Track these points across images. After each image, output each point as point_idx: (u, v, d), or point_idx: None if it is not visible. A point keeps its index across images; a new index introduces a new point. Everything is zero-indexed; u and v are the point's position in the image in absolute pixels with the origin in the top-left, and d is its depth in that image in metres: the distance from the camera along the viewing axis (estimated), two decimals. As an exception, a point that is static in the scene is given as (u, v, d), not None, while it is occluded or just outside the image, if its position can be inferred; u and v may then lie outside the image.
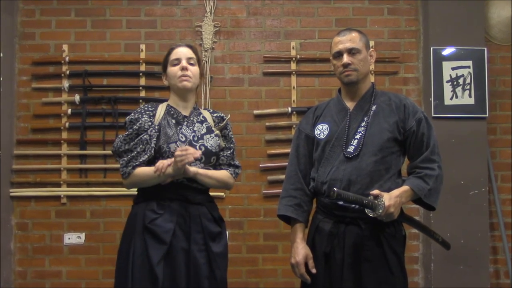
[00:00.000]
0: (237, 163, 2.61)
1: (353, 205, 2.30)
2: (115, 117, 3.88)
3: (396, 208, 2.26)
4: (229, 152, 2.58)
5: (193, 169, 2.35)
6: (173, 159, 2.30)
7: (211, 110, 2.63)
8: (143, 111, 2.45)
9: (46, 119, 3.95)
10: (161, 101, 2.64)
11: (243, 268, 3.90)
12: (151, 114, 2.43)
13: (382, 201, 2.22)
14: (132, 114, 2.44)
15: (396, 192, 2.29)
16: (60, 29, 3.99)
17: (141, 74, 3.95)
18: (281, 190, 3.92)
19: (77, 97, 3.89)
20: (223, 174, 2.52)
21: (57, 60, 3.94)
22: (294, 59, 3.98)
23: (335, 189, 2.18)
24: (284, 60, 4.00)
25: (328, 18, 4.04)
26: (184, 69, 2.45)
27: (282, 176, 3.88)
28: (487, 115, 3.85)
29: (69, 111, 3.91)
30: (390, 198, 2.24)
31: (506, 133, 4.02)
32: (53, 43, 3.98)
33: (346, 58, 2.40)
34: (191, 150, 2.30)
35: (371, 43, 3.66)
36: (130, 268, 2.29)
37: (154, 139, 2.36)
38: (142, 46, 3.96)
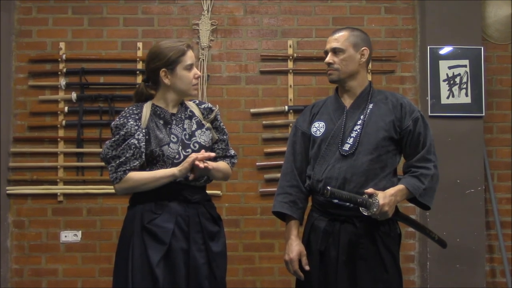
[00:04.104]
0: (232, 152, 2.58)
1: (348, 204, 2.30)
2: (112, 115, 3.87)
3: (391, 207, 2.27)
4: (223, 144, 2.54)
5: (209, 163, 2.33)
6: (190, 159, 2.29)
7: (197, 101, 2.56)
8: (128, 115, 2.37)
9: (42, 117, 3.95)
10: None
11: (239, 266, 3.90)
12: (137, 117, 2.36)
13: (377, 199, 2.23)
14: (118, 119, 2.37)
15: (391, 191, 2.30)
16: (57, 27, 3.98)
17: (138, 72, 3.94)
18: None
19: (73, 95, 3.89)
20: (225, 165, 2.52)
21: (54, 58, 3.94)
22: (291, 57, 3.99)
23: (328, 187, 2.18)
24: (281, 58, 4.01)
25: (325, 16, 4.05)
26: (198, 77, 2.43)
27: (279, 174, 3.87)
28: (483, 114, 3.86)
29: (66, 109, 3.91)
30: (385, 197, 2.24)
31: (502, 132, 4.03)
32: (50, 41, 3.97)
33: (328, 57, 2.45)
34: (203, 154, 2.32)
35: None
36: (130, 269, 2.26)
37: (143, 143, 2.32)
38: (139, 44, 3.96)
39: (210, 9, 4.00)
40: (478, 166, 3.84)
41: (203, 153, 2.32)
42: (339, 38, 2.44)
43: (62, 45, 3.95)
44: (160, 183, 2.31)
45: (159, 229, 2.30)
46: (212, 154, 2.35)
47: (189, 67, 2.40)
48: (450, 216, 3.74)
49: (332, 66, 2.43)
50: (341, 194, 2.20)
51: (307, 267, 2.38)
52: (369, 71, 3.87)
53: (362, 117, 2.41)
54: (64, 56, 3.93)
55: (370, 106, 2.44)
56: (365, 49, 2.47)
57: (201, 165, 2.27)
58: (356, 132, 2.39)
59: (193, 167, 2.29)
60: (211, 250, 2.37)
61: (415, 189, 2.34)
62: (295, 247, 2.41)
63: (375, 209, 2.23)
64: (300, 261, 2.40)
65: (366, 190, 2.26)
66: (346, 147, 2.38)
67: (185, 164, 2.28)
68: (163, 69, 2.37)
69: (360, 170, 2.34)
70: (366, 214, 2.25)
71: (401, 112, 2.41)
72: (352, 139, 2.38)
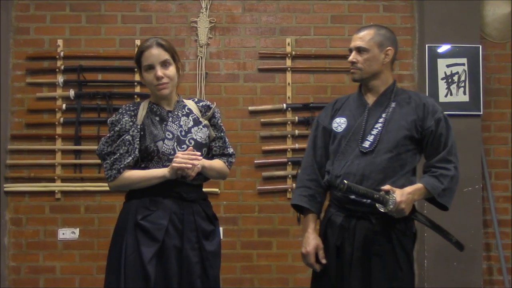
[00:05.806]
0: (230, 151, 2.55)
1: (365, 200, 2.30)
2: (109, 112, 3.86)
3: (408, 205, 2.27)
4: (220, 142, 2.52)
5: (200, 163, 2.32)
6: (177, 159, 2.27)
7: (196, 100, 2.54)
8: (124, 111, 2.38)
9: (40, 114, 3.95)
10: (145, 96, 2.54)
11: (237, 264, 3.90)
12: (132, 114, 2.37)
13: (394, 196, 2.23)
14: (114, 116, 2.39)
15: (408, 189, 2.29)
16: (55, 24, 3.97)
17: (136, 69, 3.92)
18: (275, 186, 3.97)
19: (71, 92, 3.89)
20: (220, 164, 2.50)
21: (52, 55, 3.93)
22: (289, 55, 3.98)
23: (345, 181, 2.19)
24: (279, 56, 4.00)
25: (323, 14, 4.04)
26: (159, 78, 2.32)
27: (277, 173, 3.93)
28: (481, 113, 3.86)
29: (64, 106, 3.90)
30: (402, 195, 2.25)
31: (500, 130, 4.04)
32: (47, 38, 3.97)
33: (351, 56, 2.44)
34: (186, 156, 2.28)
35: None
36: (123, 265, 2.26)
37: (137, 139, 2.32)
38: (137, 42, 3.94)
39: (208, 7, 3.99)
40: (476, 165, 3.85)
41: (188, 152, 2.30)
42: (364, 36, 2.42)
43: (60, 42, 3.94)
44: (152, 183, 2.32)
45: (152, 225, 2.29)
46: (197, 153, 2.31)
47: (147, 68, 2.35)
48: (447, 214, 3.71)
49: (355, 65, 2.42)
50: (357, 188, 2.21)
51: (323, 261, 2.40)
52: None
53: (384, 115, 2.41)
54: (62, 54, 3.92)
55: (393, 104, 2.43)
56: (390, 49, 2.45)
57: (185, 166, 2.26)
58: (377, 130, 2.38)
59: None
60: (204, 249, 2.35)
61: (434, 189, 2.34)
62: (312, 240, 2.43)
63: (391, 206, 2.23)
64: (317, 254, 2.41)
65: (383, 187, 2.26)
66: (366, 144, 2.38)
67: (172, 165, 2.29)
68: (139, 70, 2.43)
69: (378, 168, 2.34)
70: (382, 210, 2.25)
71: (423, 112, 2.40)
72: (372, 136, 2.38)
